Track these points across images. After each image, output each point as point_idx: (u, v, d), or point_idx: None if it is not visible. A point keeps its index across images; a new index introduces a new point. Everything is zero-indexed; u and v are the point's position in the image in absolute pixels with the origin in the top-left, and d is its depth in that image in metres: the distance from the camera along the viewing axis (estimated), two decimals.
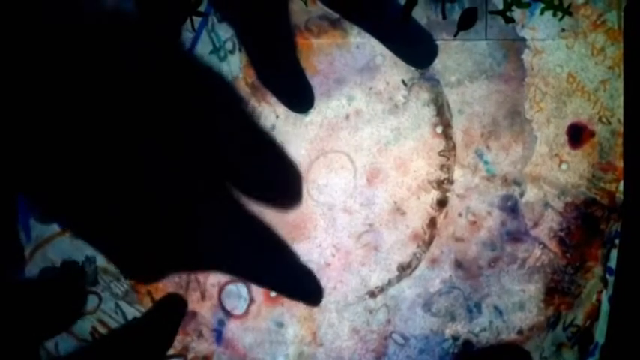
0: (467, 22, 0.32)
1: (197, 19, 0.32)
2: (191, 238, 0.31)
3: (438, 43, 0.33)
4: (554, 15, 0.33)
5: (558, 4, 0.32)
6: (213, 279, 0.34)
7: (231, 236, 0.32)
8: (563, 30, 0.33)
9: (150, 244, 0.31)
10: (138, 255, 0.31)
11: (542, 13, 0.33)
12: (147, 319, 0.34)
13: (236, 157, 0.31)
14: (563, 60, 0.33)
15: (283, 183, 0.33)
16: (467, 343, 0.35)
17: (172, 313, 0.34)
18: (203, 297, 0.34)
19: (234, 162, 0.31)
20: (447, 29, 0.33)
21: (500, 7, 0.32)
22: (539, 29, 0.33)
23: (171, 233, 0.30)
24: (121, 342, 0.32)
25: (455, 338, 0.35)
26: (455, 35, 0.33)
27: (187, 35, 0.32)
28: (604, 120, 0.34)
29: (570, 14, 0.33)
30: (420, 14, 0.32)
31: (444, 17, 0.32)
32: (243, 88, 0.33)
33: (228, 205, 0.32)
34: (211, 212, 0.31)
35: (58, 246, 0.33)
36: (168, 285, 0.34)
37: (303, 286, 0.34)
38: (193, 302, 0.34)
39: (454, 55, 0.33)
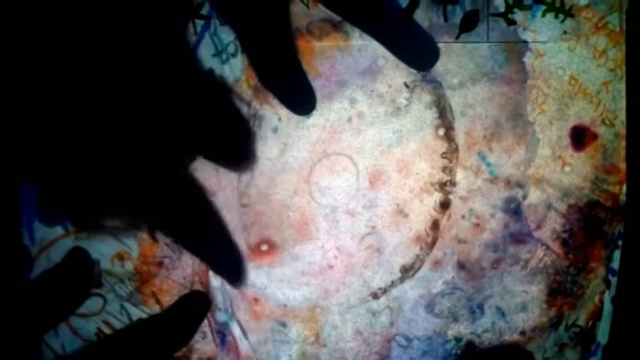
0: (468, 24, 0.32)
1: (199, 23, 0.32)
2: (134, 192, 0.31)
3: (439, 45, 0.33)
4: (556, 17, 0.33)
5: (560, 7, 0.33)
6: (216, 281, 0.34)
7: (172, 199, 0.32)
8: (564, 32, 0.33)
9: (93, 191, 0.31)
10: (80, 200, 0.31)
11: (543, 15, 0.33)
12: (168, 314, 0.34)
13: (189, 117, 0.31)
14: (565, 62, 0.33)
15: (235, 142, 0.33)
16: (469, 345, 0.35)
17: (195, 310, 0.34)
18: None
19: (185, 121, 0.31)
20: (448, 32, 0.33)
21: (502, 9, 0.33)
22: (540, 32, 0.33)
23: (115, 184, 0.30)
24: (136, 337, 0.32)
25: (457, 339, 0.35)
26: (456, 38, 0.33)
27: (190, 38, 0.32)
28: (607, 122, 0.34)
29: (572, 16, 0.33)
30: (422, 17, 0.32)
31: (446, 20, 0.32)
32: (246, 91, 0.33)
33: (174, 167, 0.32)
34: (157, 171, 0.31)
35: (62, 248, 0.34)
36: (172, 286, 0.34)
37: (230, 266, 0.34)
38: None
39: (456, 58, 0.33)
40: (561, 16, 0.33)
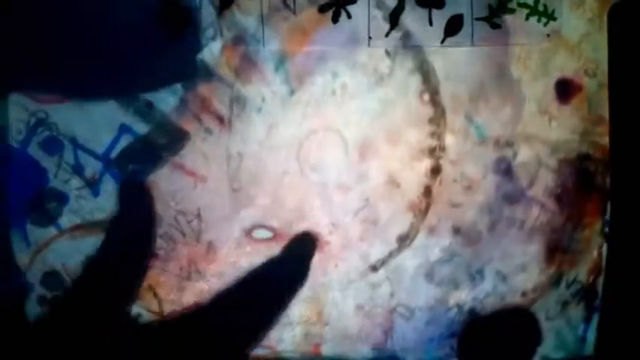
0: (453, 28, 0.32)
1: None
2: None
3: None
4: (539, 21, 0.33)
5: (543, 11, 0.32)
6: (214, 269, 0.34)
7: None
8: (548, 35, 0.33)
9: None
10: None
11: (527, 19, 0.33)
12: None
13: None
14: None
15: None
16: (472, 311, 0.35)
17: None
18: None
19: None
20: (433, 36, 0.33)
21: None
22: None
23: None
24: None
25: (459, 306, 0.35)
26: (442, 42, 0.32)
27: None
28: (589, 73, 0.34)
29: (555, 20, 0.33)
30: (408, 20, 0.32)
31: (431, 24, 0.32)
32: (227, 73, 0.32)
33: None
34: None
35: (57, 249, 0.33)
36: (169, 277, 0.34)
37: None
38: (195, 294, 0.34)
39: (436, 21, 0.33)
40: (544, 20, 0.33)
